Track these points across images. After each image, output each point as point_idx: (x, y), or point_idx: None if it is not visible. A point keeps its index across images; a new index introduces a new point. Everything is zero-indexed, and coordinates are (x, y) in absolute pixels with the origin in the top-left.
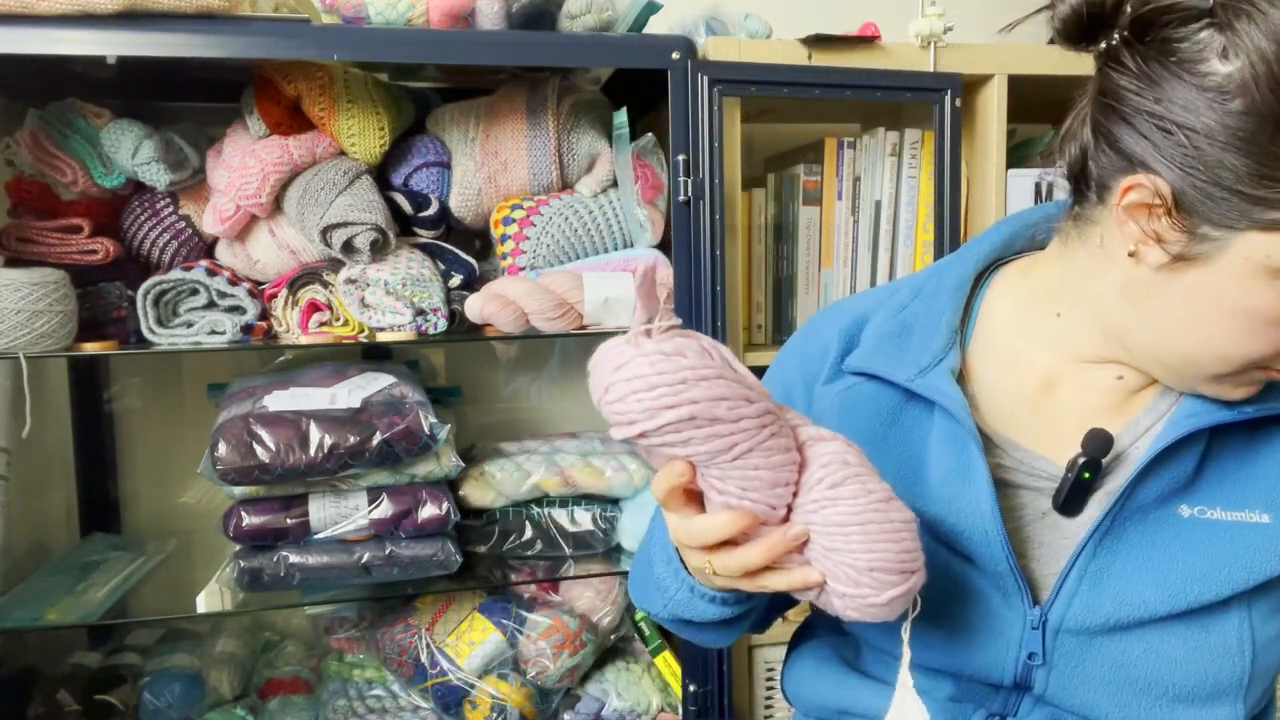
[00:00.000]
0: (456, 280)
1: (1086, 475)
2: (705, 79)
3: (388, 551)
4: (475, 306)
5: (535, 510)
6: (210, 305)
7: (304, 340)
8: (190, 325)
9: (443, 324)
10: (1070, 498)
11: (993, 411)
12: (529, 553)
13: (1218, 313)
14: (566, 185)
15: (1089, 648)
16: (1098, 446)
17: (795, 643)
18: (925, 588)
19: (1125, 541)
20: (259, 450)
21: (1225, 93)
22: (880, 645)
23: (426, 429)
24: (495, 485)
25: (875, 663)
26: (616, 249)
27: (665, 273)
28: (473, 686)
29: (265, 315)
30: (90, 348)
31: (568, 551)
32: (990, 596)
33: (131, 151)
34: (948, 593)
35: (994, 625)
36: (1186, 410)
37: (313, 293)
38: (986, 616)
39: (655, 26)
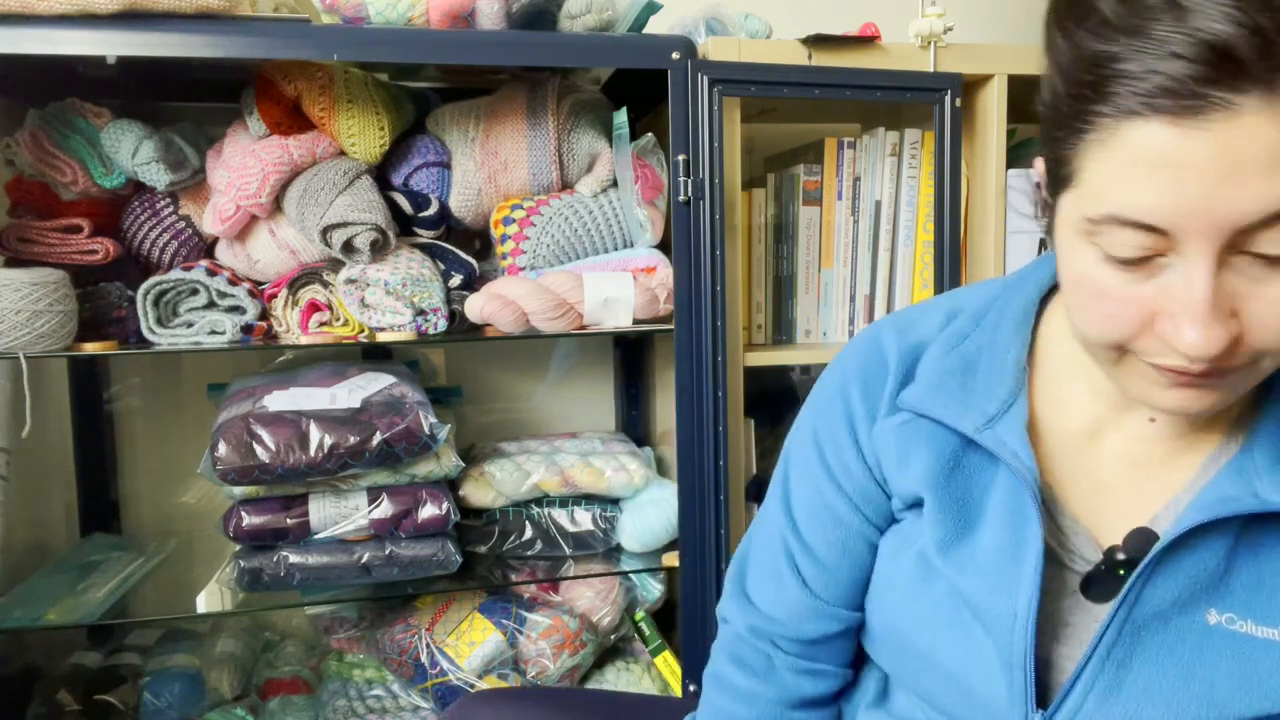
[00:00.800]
0: (456, 280)
1: (1121, 572)
2: (705, 79)
3: (388, 551)
4: (475, 306)
5: (535, 510)
6: (210, 305)
7: (304, 340)
8: (190, 325)
9: (443, 324)
10: (1099, 584)
11: (1047, 459)
12: (529, 553)
13: (1066, 287)
14: (566, 185)
15: None
16: (1138, 546)
17: None
18: (939, 643)
19: (1140, 653)
20: (259, 450)
21: (1048, 69)
22: (912, 688)
23: (426, 429)
24: (495, 485)
25: (905, 705)
26: (616, 249)
27: (666, 272)
28: (473, 686)
29: (265, 315)
30: (90, 348)
31: (568, 551)
32: (996, 679)
33: (131, 151)
34: (962, 657)
35: (996, 710)
36: (1210, 496)
37: (313, 293)
38: (990, 696)
39: (655, 26)
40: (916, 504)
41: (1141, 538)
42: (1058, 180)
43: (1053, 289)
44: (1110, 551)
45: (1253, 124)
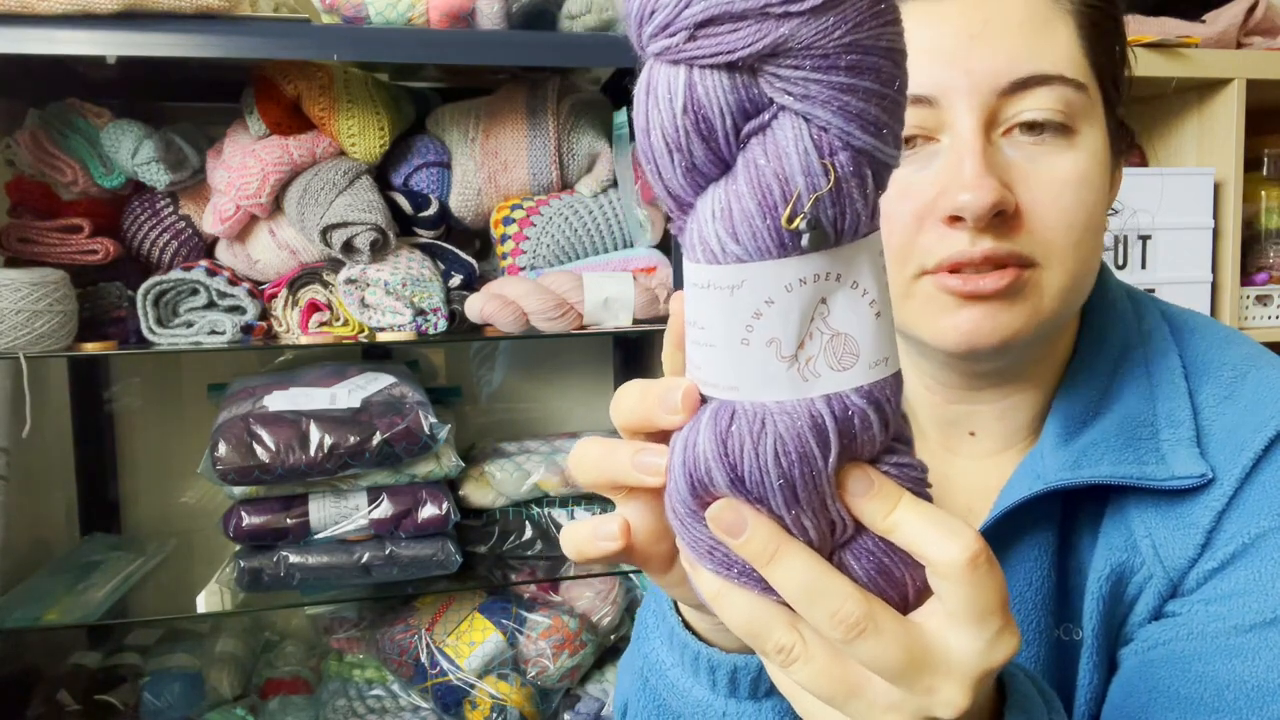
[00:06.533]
0: (456, 280)
1: None
2: None
3: (388, 551)
4: (475, 306)
5: (535, 510)
6: (210, 305)
7: (304, 340)
8: (190, 325)
9: (443, 324)
10: None
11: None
12: (529, 553)
13: None
14: (566, 185)
15: None
16: None
17: None
18: None
19: None
20: (259, 450)
21: None
22: None
23: (426, 429)
24: (495, 485)
25: None
26: (616, 249)
27: (666, 272)
28: (473, 686)
29: (265, 315)
30: (90, 348)
31: None
32: None
33: (131, 151)
34: None
35: None
36: (1002, 501)
37: (313, 293)
38: None
39: None
40: None
41: None
42: None
43: None
44: None
45: None
